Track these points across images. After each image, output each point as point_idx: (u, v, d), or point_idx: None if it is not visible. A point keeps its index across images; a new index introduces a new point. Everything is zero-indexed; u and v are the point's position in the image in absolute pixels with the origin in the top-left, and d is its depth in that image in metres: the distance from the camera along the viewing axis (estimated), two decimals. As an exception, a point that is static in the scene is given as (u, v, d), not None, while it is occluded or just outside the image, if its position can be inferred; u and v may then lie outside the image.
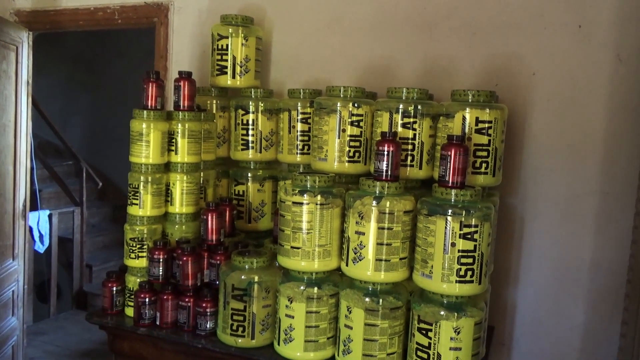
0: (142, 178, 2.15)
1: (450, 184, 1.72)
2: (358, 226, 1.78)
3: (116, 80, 6.43)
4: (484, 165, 1.86)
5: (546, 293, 2.26)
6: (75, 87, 7.02)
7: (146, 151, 2.13)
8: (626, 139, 2.10)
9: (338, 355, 1.87)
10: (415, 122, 1.92)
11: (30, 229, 4.95)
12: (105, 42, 6.43)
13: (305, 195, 1.84)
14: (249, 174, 2.42)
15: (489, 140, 1.85)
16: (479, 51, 2.29)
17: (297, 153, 2.30)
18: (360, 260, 1.78)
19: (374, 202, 1.75)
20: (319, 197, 1.84)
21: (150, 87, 2.16)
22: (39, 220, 5.01)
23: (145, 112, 2.14)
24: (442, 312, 1.70)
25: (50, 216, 5.15)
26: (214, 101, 2.49)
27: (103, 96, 6.74)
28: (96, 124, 6.90)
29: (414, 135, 1.92)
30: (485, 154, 1.85)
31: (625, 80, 2.09)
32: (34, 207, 5.41)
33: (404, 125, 1.93)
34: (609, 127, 2.13)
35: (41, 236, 5.04)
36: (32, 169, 5.66)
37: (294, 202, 1.85)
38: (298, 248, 1.85)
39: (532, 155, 2.24)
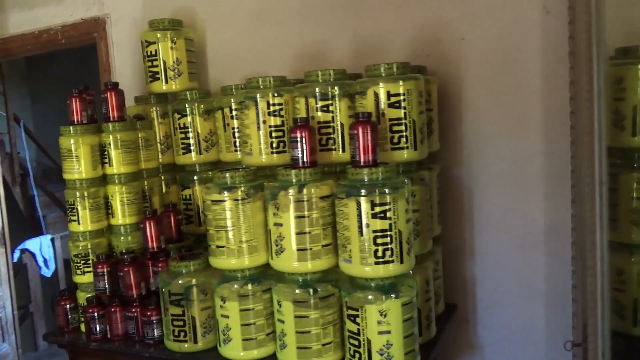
0: (77, 194, 2.15)
1: (362, 164, 1.65)
2: (275, 218, 1.73)
3: (107, 99, 6.49)
4: (402, 140, 1.78)
5: (505, 263, 2.17)
6: (71, 111, 7.13)
7: (77, 166, 2.14)
8: (563, 94, 1.98)
9: (277, 351, 1.83)
10: (331, 105, 1.86)
11: (33, 255, 5.08)
12: (89, 62, 6.50)
13: (224, 192, 1.80)
14: (195, 177, 2.40)
15: (405, 114, 1.77)
16: (406, 23, 2.21)
17: (235, 150, 2.26)
18: (282, 252, 1.74)
19: (290, 191, 1.70)
20: (239, 192, 1.80)
21: (73, 102, 2.16)
22: (41, 245, 5.11)
23: (71, 127, 2.14)
24: (368, 296, 1.64)
25: (52, 240, 5.26)
26: (153, 108, 2.48)
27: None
28: (94, 145, 6.97)
29: (332, 117, 1.86)
30: (402, 128, 1.77)
31: (555, 32, 1.98)
32: (38, 233, 5.55)
33: (321, 109, 1.86)
34: (545, 83, 2.03)
35: (45, 261, 5.14)
36: (32, 196, 5.83)
37: (212, 201, 1.82)
38: (223, 247, 1.82)
39: (471, 123, 2.15)
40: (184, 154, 2.37)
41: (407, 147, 1.79)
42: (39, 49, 2.99)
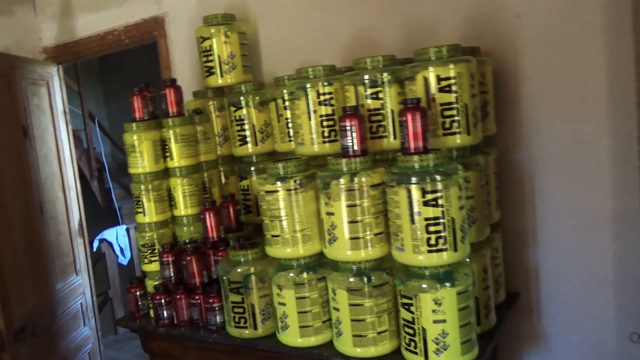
0: (142, 187, 2.26)
1: (412, 150, 1.63)
2: (327, 207, 1.74)
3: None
4: (454, 124, 1.73)
5: (569, 250, 2.08)
6: (141, 108, 7.45)
7: (141, 161, 2.24)
8: (629, 69, 1.86)
9: (333, 338, 1.85)
10: (380, 91, 1.84)
11: (111, 244, 5.40)
12: (158, 60, 6.76)
13: (277, 182, 1.83)
14: (252, 168, 2.45)
15: (456, 98, 1.72)
16: (458, 3, 2.14)
17: (289, 141, 2.28)
18: (335, 240, 1.75)
19: (340, 180, 1.71)
20: (291, 182, 1.82)
21: (135, 100, 2.26)
22: (117, 235, 5.42)
23: (133, 124, 2.24)
24: (420, 285, 1.62)
25: (127, 230, 5.55)
26: (211, 102, 2.55)
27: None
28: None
29: (382, 104, 1.84)
30: (454, 112, 1.73)
31: (619, 4, 1.85)
32: (115, 224, 5.88)
33: (370, 96, 1.85)
34: (610, 58, 1.91)
35: (122, 249, 5.45)
36: (109, 189, 6.16)
37: (266, 191, 1.85)
38: (277, 236, 1.86)
39: (530, 104, 2.06)
40: (240, 145, 2.43)
41: (460, 132, 1.74)
42: (104, 50, 3.15)
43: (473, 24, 2.11)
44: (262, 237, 2.29)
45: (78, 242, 3.46)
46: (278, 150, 2.38)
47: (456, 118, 1.73)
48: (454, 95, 1.72)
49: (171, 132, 2.28)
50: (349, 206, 1.70)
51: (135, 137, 2.23)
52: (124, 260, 5.46)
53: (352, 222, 1.71)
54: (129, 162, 2.27)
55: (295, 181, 1.82)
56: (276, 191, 1.83)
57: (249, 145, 2.41)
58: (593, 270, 2.03)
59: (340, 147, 1.79)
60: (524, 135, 2.09)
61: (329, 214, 1.74)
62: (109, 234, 5.37)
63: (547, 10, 1.97)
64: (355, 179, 1.70)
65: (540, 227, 2.11)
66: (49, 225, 3.14)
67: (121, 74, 7.25)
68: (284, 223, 1.84)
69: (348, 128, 1.74)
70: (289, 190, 1.83)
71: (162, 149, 2.29)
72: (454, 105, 1.72)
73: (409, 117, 1.62)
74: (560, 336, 2.13)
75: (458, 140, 1.75)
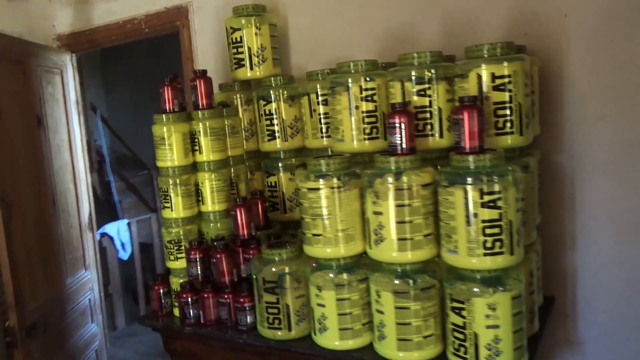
0: (170, 181, 2.18)
1: (467, 150, 1.58)
2: (375, 206, 1.69)
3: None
4: (507, 124, 1.69)
5: (609, 256, 2.04)
6: (143, 100, 7.34)
7: (170, 154, 2.16)
8: (683, 73, 1.83)
9: (375, 341, 1.80)
10: (428, 88, 1.78)
11: (112, 238, 5.29)
12: (163, 54, 6.65)
13: (320, 180, 1.77)
14: (279, 164, 2.38)
15: (510, 97, 1.67)
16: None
17: (322, 137, 2.23)
18: (382, 241, 1.69)
19: (389, 179, 1.65)
20: (334, 180, 1.76)
21: (165, 91, 2.18)
22: (119, 229, 5.31)
23: (164, 116, 2.16)
24: (473, 289, 1.57)
25: (129, 224, 5.45)
26: (238, 95, 2.47)
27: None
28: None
29: (430, 102, 1.79)
30: (507, 112, 1.68)
31: (674, 4, 1.82)
32: (115, 218, 5.77)
33: (417, 93, 1.80)
34: (661, 61, 1.87)
35: (123, 244, 5.34)
36: (109, 182, 6.05)
37: (309, 189, 1.79)
38: (319, 235, 1.80)
39: (574, 106, 2.02)
40: (269, 140, 2.36)
41: (513, 132, 1.70)
42: (123, 39, 3.06)
43: (517, 21, 2.06)
44: (290, 235, 2.27)
45: (88, 236, 3.37)
46: (308, 147, 2.32)
47: (510, 118, 1.68)
48: (508, 94, 1.67)
49: (201, 125, 2.21)
50: (398, 206, 1.65)
51: (165, 129, 2.15)
52: (124, 255, 5.36)
53: (400, 222, 1.65)
54: (157, 155, 2.19)
55: (338, 179, 1.76)
56: (319, 189, 1.77)
57: (278, 140, 2.34)
58: (634, 277, 2.00)
59: (388, 144, 1.73)
60: (565, 137, 2.05)
61: (377, 213, 1.69)
62: (110, 228, 5.26)
63: (596, 9, 1.93)
64: (405, 178, 1.64)
65: (580, 231, 2.08)
66: (61, 219, 3.05)
67: (122, 66, 7.13)
68: (327, 222, 1.78)
69: (397, 125, 1.69)
70: (332, 188, 1.77)
71: (190, 143, 2.22)
72: (508, 105, 1.68)
73: (466, 116, 1.57)
74: (596, 343, 2.10)
75: (510, 140, 1.70)
